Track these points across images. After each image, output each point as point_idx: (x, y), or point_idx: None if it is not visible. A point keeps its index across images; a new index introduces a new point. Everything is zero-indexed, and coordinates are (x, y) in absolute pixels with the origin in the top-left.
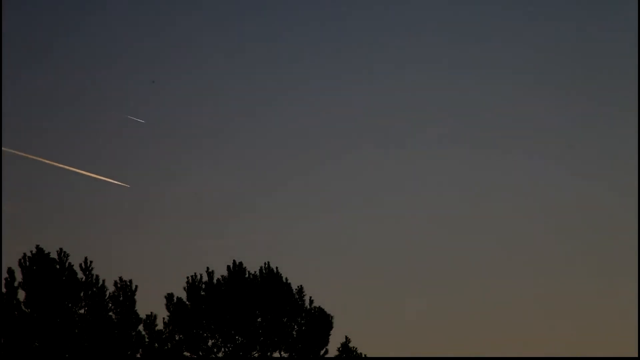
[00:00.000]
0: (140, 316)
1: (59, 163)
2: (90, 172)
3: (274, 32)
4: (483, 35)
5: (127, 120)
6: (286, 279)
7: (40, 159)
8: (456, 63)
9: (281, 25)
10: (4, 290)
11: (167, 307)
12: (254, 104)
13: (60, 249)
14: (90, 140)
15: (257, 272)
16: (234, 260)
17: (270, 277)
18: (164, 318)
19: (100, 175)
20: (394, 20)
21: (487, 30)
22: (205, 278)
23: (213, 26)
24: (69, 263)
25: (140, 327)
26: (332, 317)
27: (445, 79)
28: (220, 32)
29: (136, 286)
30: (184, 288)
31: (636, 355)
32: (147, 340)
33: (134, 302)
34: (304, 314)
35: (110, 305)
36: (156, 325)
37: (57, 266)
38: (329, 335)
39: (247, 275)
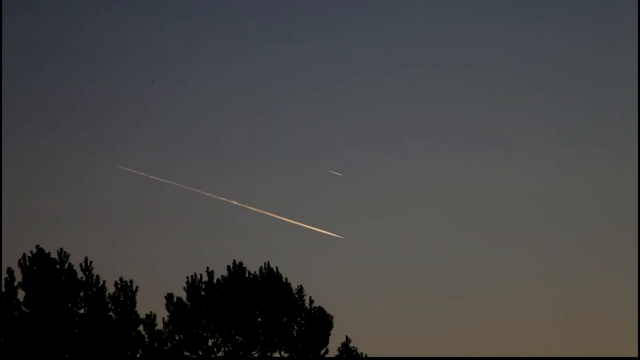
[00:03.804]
0: (140, 316)
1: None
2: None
3: None
4: (483, 35)
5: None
6: (286, 279)
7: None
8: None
9: None
10: (4, 290)
11: (167, 307)
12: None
13: (61, 249)
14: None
15: (257, 272)
16: (234, 260)
17: (270, 277)
18: (163, 318)
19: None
20: (396, 24)
21: (486, 30)
22: (205, 278)
23: None
24: (69, 263)
25: (140, 327)
26: (332, 317)
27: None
28: None
29: (137, 287)
30: (184, 288)
31: (636, 355)
32: (147, 340)
33: (134, 302)
34: (304, 314)
35: (111, 305)
36: (156, 325)
37: (57, 266)
38: (329, 335)
39: (247, 275)
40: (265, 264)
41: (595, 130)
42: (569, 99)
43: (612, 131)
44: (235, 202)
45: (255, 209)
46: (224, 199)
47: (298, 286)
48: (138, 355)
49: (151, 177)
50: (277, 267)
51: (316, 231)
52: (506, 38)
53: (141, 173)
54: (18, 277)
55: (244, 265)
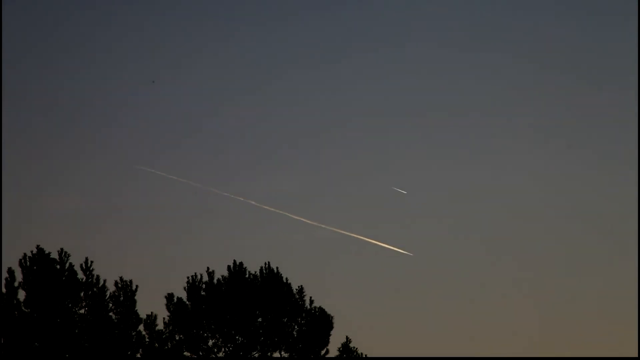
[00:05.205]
0: (141, 316)
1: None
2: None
3: None
4: (483, 35)
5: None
6: (286, 279)
7: None
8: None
9: None
10: (4, 290)
11: (167, 307)
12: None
13: (61, 249)
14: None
15: (257, 272)
16: (234, 260)
17: (270, 277)
18: (164, 318)
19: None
20: (396, 27)
21: (487, 30)
22: (205, 278)
23: None
24: (70, 263)
25: (141, 327)
26: (332, 317)
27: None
28: None
29: (137, 286)
30: (184, 288)
31: (636, 355)
32: (147, 340)
33: (134, 302)
34: (304, 314)
35: (111, 305)
36: (156, 325)
37: (58, 266)
38: (330, 335)
39: (247, 276)
40: (265, 264)
41: (595, 130)
42: (566, 99)
43: (611, 130)
44: (253, 202)
45: (272, 208)
46: (242, 199)
47: (298, 286)
48: (138, 356)
49: (153, 172)
50: (277, 267)
51: (319, 229)
52: (508, 33)
53: (145, 169)
54: (18, 277)
55: (244, 266)
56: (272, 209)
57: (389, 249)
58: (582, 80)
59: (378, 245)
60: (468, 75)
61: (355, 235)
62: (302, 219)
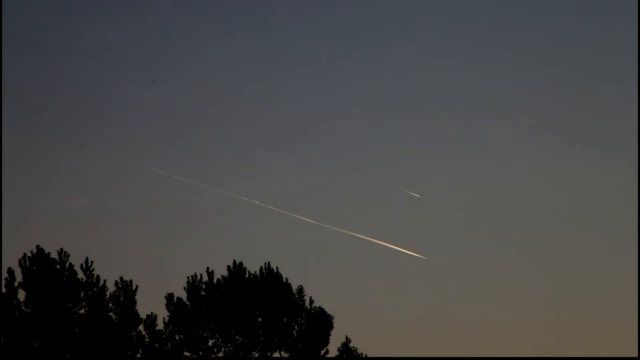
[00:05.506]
0: (141, 316)
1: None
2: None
3: None
4: (484, 35)
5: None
6: (286, 279)
7: None
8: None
9: None
10: (4, 290)
11: (168, 307)
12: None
13: (61, 249)
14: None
15: (257, 272)
16: (234, 260)
17: (270, 277)
18: (164, 318)
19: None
20: (396, 24)
21: (488, 30)
22: (205, 278)
23: None
24: (70, 263)
25: (141, 327)
26: (332, 317)
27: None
28: None
29: (137, 286)
30: (184, 288)
31: (636, 355)
32: (147, 340)
33: (134, 302)
34: (304, 314)
35: (111, 305)
36: (156, 325)
37: (58, 266)
38: (329, 335)
39: (247, 275)
40: (265, 264)
41: (595, 130)
42: (566, 101)
43: (611, 130)
44: (255, 201)
45: (273, 207)
46: (243, 198)
47: (298, 286)
48: (138, 355)
49: (153, 171)
50: (277, 267)
51: (319, 229)
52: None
53: (145, 168)
54: (18, 277)
55: (244, 266)
56: (273, 209)
57: (390, 248)
58: (583, 79)
59: (379, 244)
60: (468, 75)
61: (355, 235)
62: (302, 218)
